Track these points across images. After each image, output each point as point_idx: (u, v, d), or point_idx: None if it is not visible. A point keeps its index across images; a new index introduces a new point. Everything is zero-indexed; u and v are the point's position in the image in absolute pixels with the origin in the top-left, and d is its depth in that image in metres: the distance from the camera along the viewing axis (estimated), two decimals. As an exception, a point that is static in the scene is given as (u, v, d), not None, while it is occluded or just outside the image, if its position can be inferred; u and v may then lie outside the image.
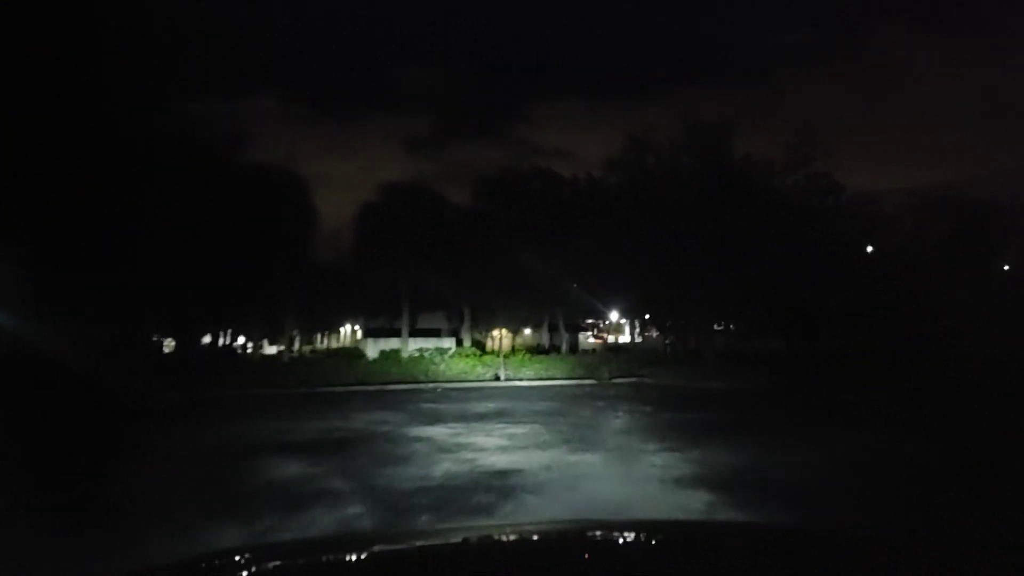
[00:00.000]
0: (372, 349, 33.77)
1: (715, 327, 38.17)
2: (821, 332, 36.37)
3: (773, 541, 2.18)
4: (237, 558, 2.07)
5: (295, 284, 32.85)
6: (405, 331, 33.15)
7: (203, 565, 1.97)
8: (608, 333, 70.31)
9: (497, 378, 28.16)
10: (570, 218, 34.51)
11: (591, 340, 67.28)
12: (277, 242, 28.52)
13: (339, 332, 69.18)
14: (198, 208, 24.31)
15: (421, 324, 45.66)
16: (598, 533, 2.46)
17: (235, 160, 28.72)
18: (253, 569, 1.97)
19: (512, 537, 2.43)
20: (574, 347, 51.30)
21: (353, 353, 33.11)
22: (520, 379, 28.17)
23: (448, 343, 35.48)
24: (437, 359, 30.52)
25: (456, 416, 15.65)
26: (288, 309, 35.71)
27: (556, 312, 38.25)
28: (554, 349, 42.92)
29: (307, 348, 72.38)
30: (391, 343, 34.29)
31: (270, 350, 73.91)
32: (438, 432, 12.85)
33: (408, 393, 22.95)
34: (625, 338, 71.02)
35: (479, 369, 29.43)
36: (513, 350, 37.06)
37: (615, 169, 32.36)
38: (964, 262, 34.75)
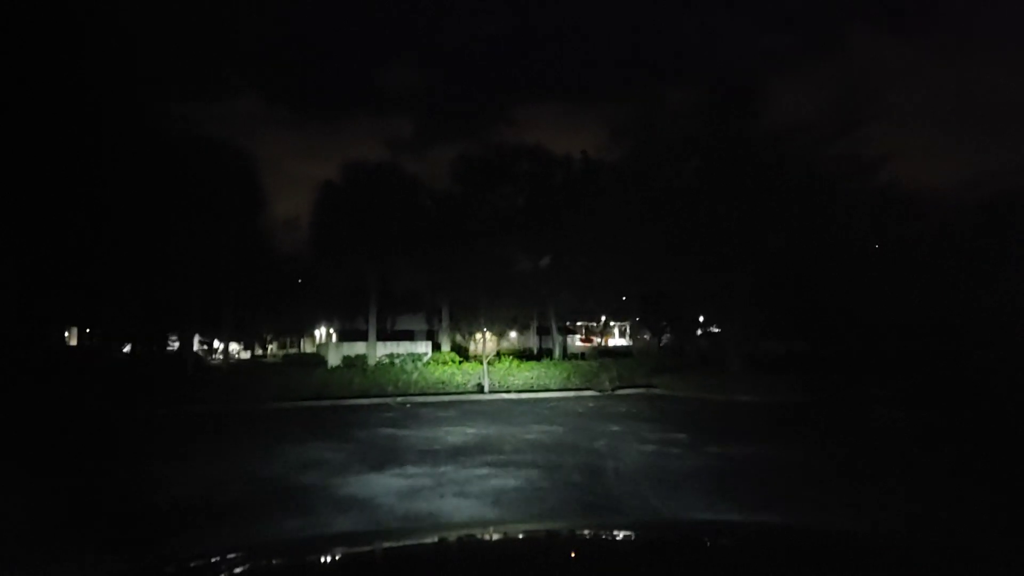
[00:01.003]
0: (334, 355, 29.14)
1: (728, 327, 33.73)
2: (847, 333, 32.22)
3: (769, 540, 2.14)
4: (235, 557, 2.05)
5: (245, 278, 28.31)
6: (372, 333, 28.52)
7: (201, 564, 1.95)
8: (596, 336, 65.97)
9: (480, 389, 23.68)
10: (563, 203, 30.18)
11: (579, 343, 62.97)
12: (215, 227, 23.87)
13: (314, 336, 64.51)
14: (110, 180, 19.78)
15: (401, 326, 41.09)
16: (597, 534, 2.42)
17: (166, 135, 24.09)
18: (252, 568, 1.94)
19: (513, 537, 2.42)
20: (563, 351, 46.98)
21: (313, 360, 28.49)
22: (507, 391, 23.70)
23: (423, 347, 30.93)
24: (409, 367, 25.96)
25: (421, 451, 11.16)
26: (244, 308, 31.16)
27: (548, 311, 33.79)
28: (544, 353, 38.55)
29: (280, 352, 67.52)
30: (357, 348, 29.68)
31: (245, 355, 69.11)
32: (386, 487, 8.36)
33: (368, 411, 18.41)
34: (615, 341, 66.77)
35: (459, 378, 24.91)
36: (499, 355, 32.58)
37: (619, 139, 27.90)
38: (1006, 259, 30.76)
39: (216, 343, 63.85)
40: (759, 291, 30.18)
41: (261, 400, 20.86)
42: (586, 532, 2.50)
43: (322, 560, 2.05)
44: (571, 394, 23.13)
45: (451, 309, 32.67)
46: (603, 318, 65.74)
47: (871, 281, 27.57)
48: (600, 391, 23.61)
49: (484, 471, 9.35)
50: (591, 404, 19.80)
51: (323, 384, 23.41)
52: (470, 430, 13.87)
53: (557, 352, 33.65)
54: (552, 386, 24.76)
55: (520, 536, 2.48)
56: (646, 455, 10.56)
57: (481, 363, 27.04)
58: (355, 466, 9.88)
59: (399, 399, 21.54)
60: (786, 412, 17.36)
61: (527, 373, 26.17)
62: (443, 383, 24.46)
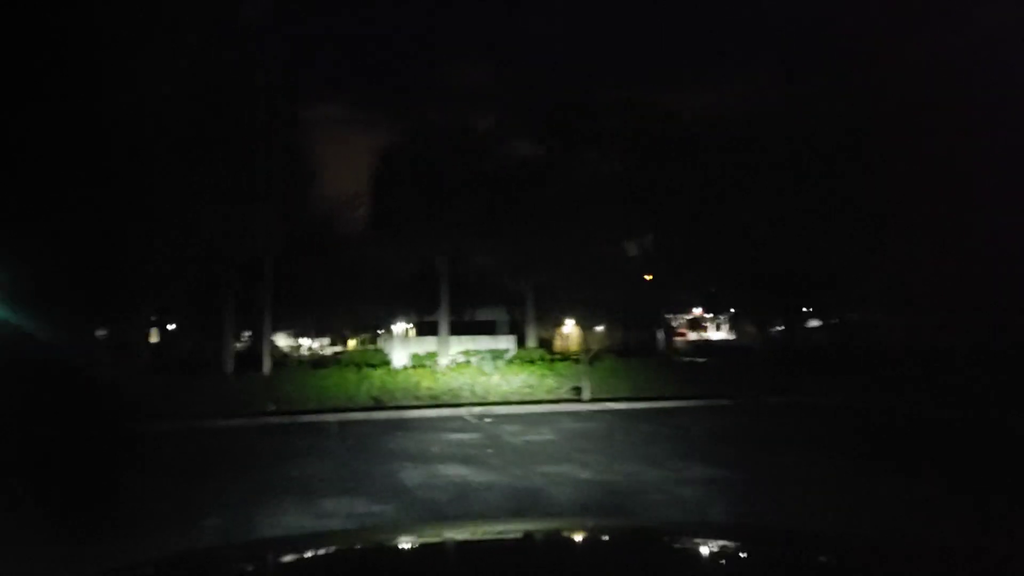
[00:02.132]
0: (400, 352, 24.52)
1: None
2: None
3: (766, 543, 2.10)
4: (232, 555, 2.11)
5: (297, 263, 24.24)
6: (444, 326, 23.68)
7: (197, 563, 1.96)
8: (700, 328, 59.64)
9: (578, 395, 18.57)
10: (670, 166, 24.74)
11: (673, 337, 56.85)
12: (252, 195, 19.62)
13: (391, 331, 60.87)
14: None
15: (481, 318, 36.36)
16: (596, 534, 2.36)
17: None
18: (248, 566, 1.93)
19: (513, 535, 2.39)
20: (652, 346, 41.36)
21: (375, 358, 24.03)
22: (612, 398, 18.45)
23: (506, 343, 25.98)
24: (488, 367, 21.12)
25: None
26: (302, 298, 27.23)
27: (646, 299, 28.41)
28: (640, 349, 33.20)
29: (357, 348, 64.05)
30: (427, 343, 25.03)
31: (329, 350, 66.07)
32: None
33: (434, 430, 13.52)
34: (706, 335, 60.55)
35: (549, 381, 19.95)
36: (590, 352, 27.39)
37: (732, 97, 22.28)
38: None
39: (301, 339, 60.88)
40: (923, 263, 24.19)
41: (302, 408, 16.48)
42: (585, 532, 2.44)
43: (322, 558, 1.96)
44: (699, 403, 17.69)
45: (537, 298, 27.62)
46: (699, 309, 59.64)
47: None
48: (733, 400, 18.07)
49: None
50: (739, 421, 14.39)
51: (383, 389, 18.84)
52: (584, 474, 8.78)
53: (663, 347, 28.20)
54: (667, 393, 19.34)
55: (522, 535, 2.40)
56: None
57: (574, 361, 22.03)
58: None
59: (476, 410, 16.66)
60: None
61: (634, 375, 21.02)
62: (530, 388, 19.56)
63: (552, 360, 22.96)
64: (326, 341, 68.92)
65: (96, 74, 17.37)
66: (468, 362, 22.55)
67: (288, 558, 1.99)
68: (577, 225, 24.25)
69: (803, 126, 24.29)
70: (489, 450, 10.91)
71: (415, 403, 17.79)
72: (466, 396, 18.56)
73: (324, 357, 34.70)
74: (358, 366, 21.13)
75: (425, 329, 31.78)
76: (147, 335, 30.53)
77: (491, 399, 18.29)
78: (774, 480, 8.33)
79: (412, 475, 8.91)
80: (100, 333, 31.25)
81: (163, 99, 18.81)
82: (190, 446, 11.95)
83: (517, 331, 29.49)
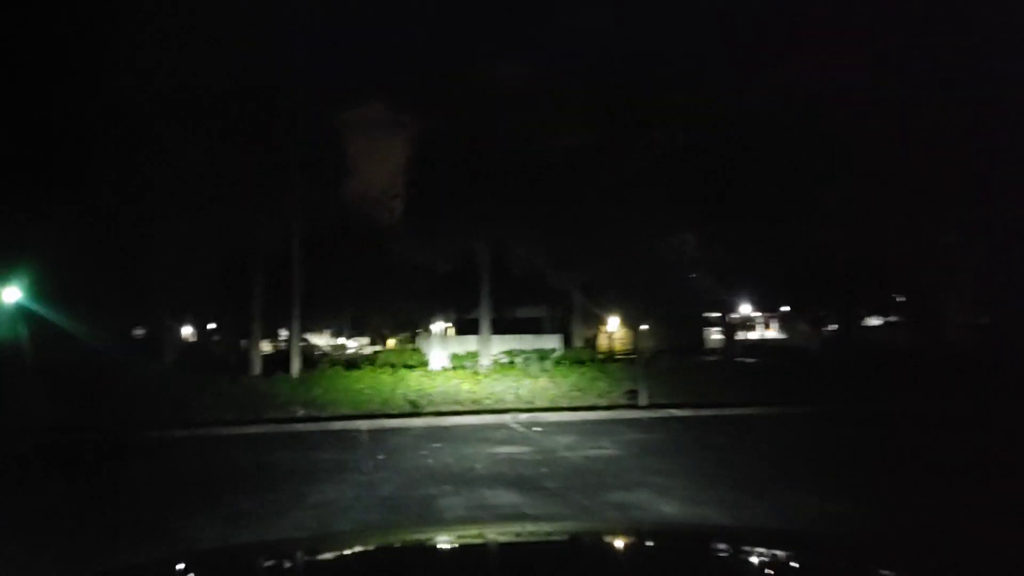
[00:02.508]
0: (439, 352, 22.93)
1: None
2: None
3: (766, 543, 2.05)
4: (231, 557, 2.03)
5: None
6: (485, 325, 21.93)
7: (196, 564, 1.90)
8: (742, 328, 56.97)
9: (634, 401, 16.74)
10: (726, 154, 22.74)
11: (715, 336, 54.47)
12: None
13: (429, 330, 59.46)
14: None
15: (524, 315, 34.64)
16: (595, 534, 2.38)
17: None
18: (247, 567, 1.88)
19: (513, 537, 2.35)
20: (698, 346, 39.35)
21: (408, 359, 22.50)
22: (675, 405, 16.56)
23: (552, 342, 24.27)
24: (534, 368, 19.40)
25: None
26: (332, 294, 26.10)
27: (707, 295, 26.42)
28: (693, 349, 31.28)
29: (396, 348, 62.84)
30: (468, 343, 23.41)
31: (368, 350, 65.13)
32: None
33: (476, 441, 11.84)
34: (754, 334, 57.99)
35: (601, 384, 18.16)
36: (645, 352, 25.47)
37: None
38: None
39: (340, 339, 60.03)
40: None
41: (333, 412, 15.03)
42: (583, 533, 2.47)
43: (323, 559, 1.94)
44: (774, 410, 15.70)
45: (585, 293, 25.79)
46: (747, 307, 57.10)
47: None
48: (815, 407, 16.03)
49: None
50: (833, 432, 12.44)
51: (420, 392, 17.25)
52: (668, 506, 7.00)
53: (716, 347, 26.15)
54: (733, 398, 17.34)
55: (520, 536, 2.39)
56: None
57: (627, 362, 20.25)
58: None
59: (522, 417, 14.97)
60: None
61: (693, 377, 19.12)
62: (579, 391, 17.80)
63: (604, 360, 21.18)
64: (365, 340, 67.95)
65: (127, 73, 16.27)
66: (512, 363, 20.92)
67: (288, 559, 1.94)
68: (627, 217, 22.44)
69: (863, 112, 22.24)
70: (543, 469, 9.20)
71: (455, 409, 16.14)
72: (511, 401, 16.87)
73: (359, 357, 33.40)
74: (393, 367, 19.65)
75: (465, 327, 30.20)
76: (179, 334, 29.53)
77: (538, 404, 16.58)
78: (922, 516, 6.44)
79: (452, 504, 7.25)
80: (138, 332, 30.38)
81: (190, 91, 17.65)
82: (199, 458, 10.49)
83: (560, 329, 27.73)
